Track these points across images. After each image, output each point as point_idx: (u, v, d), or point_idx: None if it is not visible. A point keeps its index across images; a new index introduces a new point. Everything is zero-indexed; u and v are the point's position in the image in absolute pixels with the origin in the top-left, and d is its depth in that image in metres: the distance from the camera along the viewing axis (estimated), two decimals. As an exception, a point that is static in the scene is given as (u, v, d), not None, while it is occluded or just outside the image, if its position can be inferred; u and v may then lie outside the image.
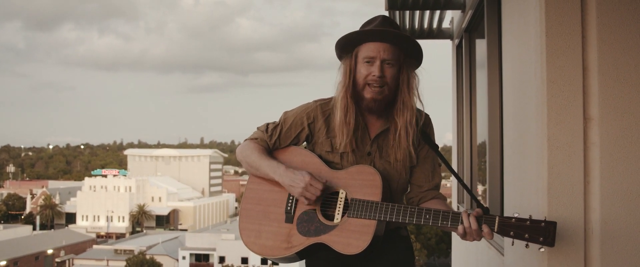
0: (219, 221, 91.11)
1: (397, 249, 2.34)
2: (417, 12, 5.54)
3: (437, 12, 5.56)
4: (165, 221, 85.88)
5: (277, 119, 2.39)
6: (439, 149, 2.34)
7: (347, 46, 2.24)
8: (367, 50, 2.19)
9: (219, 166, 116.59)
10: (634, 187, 2.07)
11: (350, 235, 2.13)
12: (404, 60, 2.22)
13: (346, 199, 2.19)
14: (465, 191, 2.99)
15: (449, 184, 8.62)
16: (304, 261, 2.34)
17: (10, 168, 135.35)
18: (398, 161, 2.27)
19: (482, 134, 4.58)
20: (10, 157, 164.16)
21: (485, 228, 2.00)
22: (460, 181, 2.36)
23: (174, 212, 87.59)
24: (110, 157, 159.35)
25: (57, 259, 60.79)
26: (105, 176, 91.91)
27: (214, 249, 55.51)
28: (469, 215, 2.02)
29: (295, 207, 2.25)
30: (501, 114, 3.23)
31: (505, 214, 2.90)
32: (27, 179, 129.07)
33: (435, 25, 5.89)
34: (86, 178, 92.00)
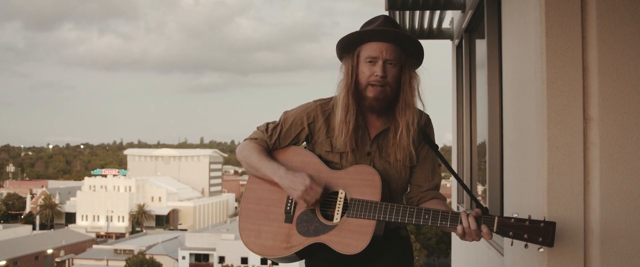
0: (218, 221, 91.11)
1: (397, 249, 2.33)
2: (417, 12, 5.54)
3: (437, 12, 5.56)
4: (165, 221, 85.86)
5: (277, 119, 2.39)
6: (439, 149, 2.34)
7: (348, 46, 2.24)
8: (370, 50, 2.19)
9: (219, 166, 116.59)
10: (634, 187, 2.07)
11: (350, 235, 2.13)
12: (405, 60, 2.21)
13: (346, 199, 2.19)
14: (464, 191, 2.99)
15: (449, 184, 8.62)
16: (303, 261, 2.33)
17: (10, 168, 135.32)
18: (398, 161, 2.27)
19: (482, 134, 4.58)
20: (10, 157, 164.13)
21: (484, 228, 2.00)
22: (459, 181, 2.36)
23: (174, 212, 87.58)
24: (110, 157, 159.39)
25: (57, 259, 60.80)
26: (105, 176, 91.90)
27: (213, 249, 55.52)
28: (468, 215, 2.02)
29: (294, 207, 2.25)
30: (501, 114, 3.22)
31: (505, 214, 2.90)
32: (27, 178, 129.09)
33: (435, 25, 5.89)
34: (86, 178, 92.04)
